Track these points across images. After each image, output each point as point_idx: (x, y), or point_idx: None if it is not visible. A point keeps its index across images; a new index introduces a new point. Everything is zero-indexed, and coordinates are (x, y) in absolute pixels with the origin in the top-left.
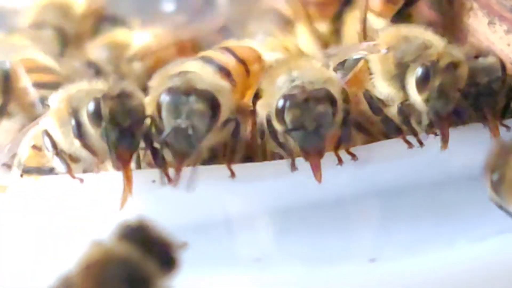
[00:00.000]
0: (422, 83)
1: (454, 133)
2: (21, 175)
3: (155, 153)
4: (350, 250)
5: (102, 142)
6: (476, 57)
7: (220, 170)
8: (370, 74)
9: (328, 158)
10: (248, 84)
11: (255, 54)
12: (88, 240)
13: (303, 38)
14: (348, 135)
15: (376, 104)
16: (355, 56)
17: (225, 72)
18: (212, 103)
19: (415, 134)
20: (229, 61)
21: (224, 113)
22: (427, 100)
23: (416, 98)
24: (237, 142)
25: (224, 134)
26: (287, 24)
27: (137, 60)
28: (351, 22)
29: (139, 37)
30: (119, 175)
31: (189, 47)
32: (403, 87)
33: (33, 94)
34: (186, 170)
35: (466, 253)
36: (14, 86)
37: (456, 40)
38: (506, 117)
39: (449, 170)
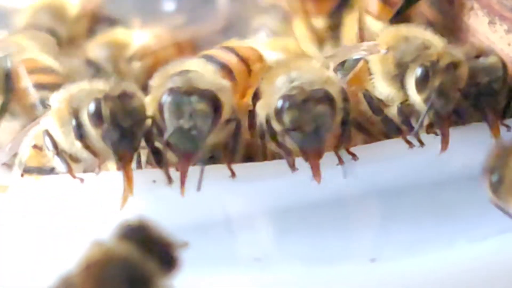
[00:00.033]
0: (422, 83)
1: (454, 133)
2: (22, 175)
3: (156, 153)
4: (350, 250)
5: (103, 142)
6: (477, 57)
7: (220, 170)
8: (370, 74)
9: (328, 158)
10: (249, 83)
11: (256, 53)
12: (88, 240)
13: (299, 32)
14: (348, 135)
15: (376, 105)
16: (355, 57)
17: (227, 70)
18: (214, 103)
19: (415, 134)
20: (231, 60)
21: (226, 113)
22: (427, 100)
23: (416, 98)
24: (238, 142)
25: (225, 134)
26: (287, 20)
27: (136, 59)
28: (350, 25)
29: (138, 37)
30: (119, 175)
31: (189, 47)
32: (403, 87)
33: (34, 95)
34: (190, 170)
35: (466, 253)
36: (15, 86)
37: (457, 40)
38: (507, 117)
39: (449, 170)
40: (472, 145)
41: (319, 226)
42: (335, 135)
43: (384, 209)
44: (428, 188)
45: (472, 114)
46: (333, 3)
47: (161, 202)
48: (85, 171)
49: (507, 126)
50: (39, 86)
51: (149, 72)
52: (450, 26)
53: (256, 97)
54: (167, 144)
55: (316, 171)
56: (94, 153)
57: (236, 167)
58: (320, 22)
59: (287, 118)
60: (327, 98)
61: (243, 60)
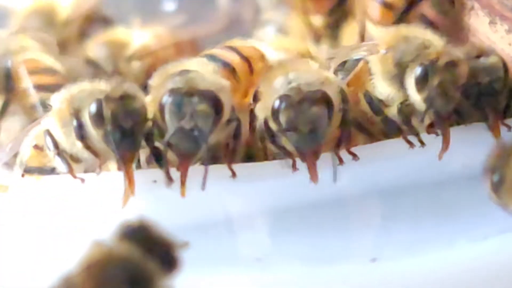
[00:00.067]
0: (421, 82)
1: (455, 133)
2: (23, 175)
3: (156, 153)
4: (350, 250)
5: (104, 143)
6: (478, 57)
7: (220, 169)
8: (370, 74)
9: (328, 158)
10: (252, 83)
11: (258, 52)
12: (89, 240)
13: (296, 29)
14: (348, 135)
15: (376, 105)
16: (355, 57)
17: (229, 68)
18: (215, 104)
19: (416, 134)
20: (234, 59)
21: (226, 113)
22: (426, 100)
23: (416, 97)
24: (238, 142)
25: (225, 134)
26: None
27: (136, 59)
28: (350, 33)
29: (138, 36)
30: (120, 175)
31: (189, 47)
32: (403, 87)
33: (34, 96)
34: (190, 170)
35: (467, 253)
36: (16, 86)
37: (457, 40)
38: (507, 117)
39: (449, 170)
40: (472, 145)
41: (319, 226)
42: (335, 135)
43: (385, 209)
44: (428, 188)
45: (473, 114)
46: (332, 2)
47: (162, 202)
48: (86, 171)
49: (507, 126)
50: (40, 87)
51: (149, 72)
52: (451, 26)
53: (256, 98)
54: (168, 145)
55: (312, 172)
56: (95, 153)
57: (237, 167)
58: (318, 20)
59: (283, 118)
60: (324, 99)
61: (246, 59)
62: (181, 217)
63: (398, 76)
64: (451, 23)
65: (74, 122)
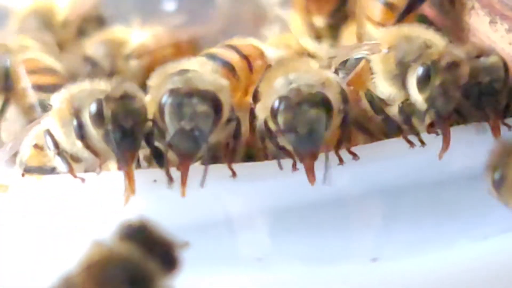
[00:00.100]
0: (423, 82)
1: (455, 133)
2: (23, 175)
3: (156, 153)
4: (351, 250)
5: (104, 143)
6: (478, 56)
7: (221, 169)
8: (372, 74)
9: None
10: (251, 81)
11: (258, 50)
12: (89, 240)
13: (296, 26)
14: (348, 135)
15: (377, 104)
16: (357, 56)
17: (229, 67)
18: (215, 104)
19: (416, 133)
20: (233, 57)
21: (226, 112)
22: (428, 100)
23: (417, 97)
24: (238, 142)
25: (225, 134)
26: None
27: (134, 58)
28: (350, 35)
29: (137, 36)
30: (120, 175)
31: (188, 47)
32: (404, 86)
33: (34, 96)
34: (190, 170)
35: (467, 253)
36: (15, 86)
37: (457, 39)
38: (508, 116)
39: (450, 170)
40: (472, 144)
41: (320, 226)
42: (335, 136)
43: (385, 208)
44: (428, 188)
45: (473, 113)
46: (334, 4)
47: (162, 202)
48: (86, 171)
49: (507, 125)
50: (40, 87)
51: (146, 71)
52: (451, 25)
53: (255, 96)
54: (169, 145)
55: (310, 174)
56: (95, 153)
57: (237, 166)
58: (320, 21)
59: (281, 119)
60: (323, 103)
61: (245, 57)
62: (181, 217)
63: (400, 76)
64: (452, 23)
65: (74, 122)
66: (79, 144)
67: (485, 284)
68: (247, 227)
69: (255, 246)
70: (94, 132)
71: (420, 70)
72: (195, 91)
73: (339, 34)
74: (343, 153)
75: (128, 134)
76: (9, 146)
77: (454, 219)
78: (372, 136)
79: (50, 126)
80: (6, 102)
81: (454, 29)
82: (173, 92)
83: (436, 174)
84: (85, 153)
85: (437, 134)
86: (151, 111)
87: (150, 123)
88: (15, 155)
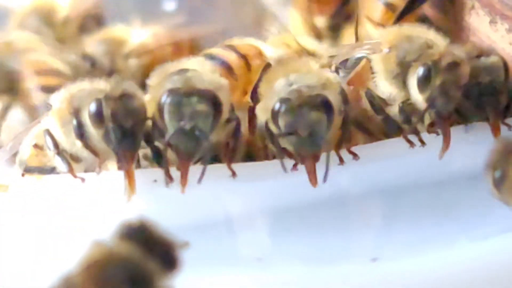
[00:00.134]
0: (423, 82)
1: (455, 133)
2: (23, 174)
3: (156, 153)
4: (351, 249)
5: (104, 142)
6: (478, 56)
7: (220, 169)
8: (372, 73)
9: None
10: (250, 80)
11: (256, 49)
12: (89, 240)
13: (295, 25)
14: (348, 136)
15: (377, 104)
16: (357, 55)
17: (226, 66)
18: (215, 103)
19: (416, 133)
20: (231, 56)
21: (226, 111)
22: (428, 100)
23: (418, 97)
24: (238, 141)
25: (225, 133)
26: None
27: (133, 57)
28: (351, 35)
29: (137, 35)
30: (120, 175)
31: (187, 47)
32: (405, 86)
33: (38, 97)
34: (190, 170)
35: (468, 253)
36: (20, 86)
37: (458, 39)
38: (508, 116)
39: (450, 170)
40: (472, 145)
41: (320, 226)
42: (336, 136)
43: (385, 208)
44: (429, 188)
45: (473, 113)
46: (336, 5)
47: (162, 202)
48: (86, 170)
49: (507, 125)
50: (43, 89)
51: (146, 70)
52: (451, 25)
53: (255, 95)
54: (168, 145)
55: (311, 175)
56: (95, 152)
57: (237, 166)
58: (321, 21)
59: (282, 121)
60: (324, 105)
61: (243, 57)
62: (181, 217)
63: (400, 75)
64: (452, 23)
65: (74, 122)
66: (78, 143)
67: (485, 284)
68: (247, 227)
69: (255, 246)
70: (93, 132)
71: (420, 70)
72: (194, 90)
73: (340, 35)
74: (343, 153)
75: (128, 134)
76: (9, 146)
77: (454, 219)
78: (372, 136)
79: (50, 126)
80: (10, 103)
81: (454, 29)
82: (172, 91)
83: (436, 174)
84: (85, 153)
85: (437, 134)
86: (150, 111)
87: (149, 123)
88: (15, 155)
